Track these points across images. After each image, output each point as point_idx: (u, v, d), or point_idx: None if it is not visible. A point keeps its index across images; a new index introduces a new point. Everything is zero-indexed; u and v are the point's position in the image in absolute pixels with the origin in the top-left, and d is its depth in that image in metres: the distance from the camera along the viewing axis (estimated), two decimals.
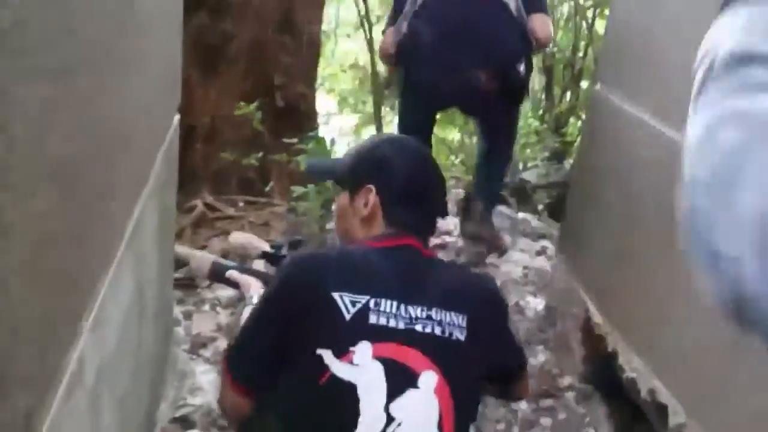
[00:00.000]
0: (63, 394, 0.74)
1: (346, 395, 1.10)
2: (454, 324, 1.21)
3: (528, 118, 5.11)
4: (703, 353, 1.58)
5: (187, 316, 2.52)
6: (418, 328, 1.17)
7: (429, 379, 1.15)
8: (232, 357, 1.24)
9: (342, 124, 7.28)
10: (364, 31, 3.68)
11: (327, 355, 1.12)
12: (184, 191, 4.06)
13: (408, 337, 1.16)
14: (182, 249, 2.37)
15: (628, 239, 2.02)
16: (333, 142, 3.18)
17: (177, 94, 1.66)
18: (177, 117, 1.63)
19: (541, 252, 3.27)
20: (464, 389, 1.21)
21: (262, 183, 3.78)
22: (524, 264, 3.11)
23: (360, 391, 1.10)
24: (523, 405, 2.24)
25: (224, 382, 1.25)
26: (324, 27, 4.82)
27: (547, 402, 2.28)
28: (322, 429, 1.12)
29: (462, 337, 1.20)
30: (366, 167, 1.36)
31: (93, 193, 0.87)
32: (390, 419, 1.10)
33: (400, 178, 1.32)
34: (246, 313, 1.48)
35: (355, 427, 1.09)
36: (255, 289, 1.57)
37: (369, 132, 6.34)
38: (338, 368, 1.11)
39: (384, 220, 1.31)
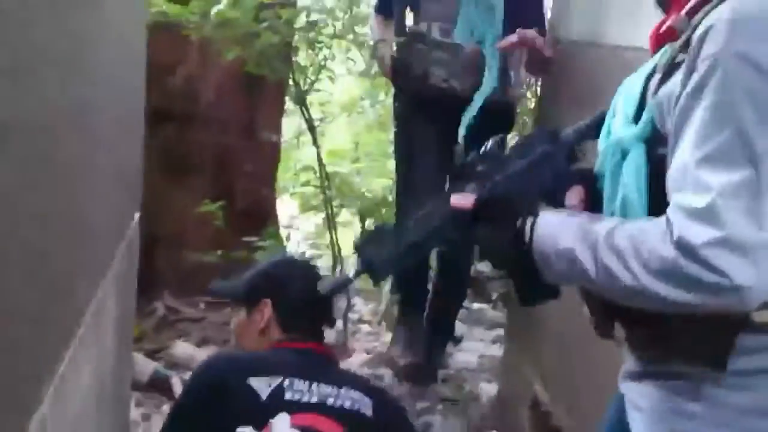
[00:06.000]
0: None
1: None
2: (362, 402, 1.41)
3: None
4: None
5: (146, 417, 2.52)
6: (330, 401, 1.37)
7: None
8: None
9: (306, 226, 7.41)
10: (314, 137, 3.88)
11: (247, 431, 1.29)
12: (145, 295, 4.08)
13: (321, 409, 1.35)
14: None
15: (569, 322, 2.13)
16: (288, 237, 3.30)
17: (136, 194, 1.79)
18: (137, 215, 1.75)
19: (496, 340, 3.38)
20: None
21: None
22: (479, 353, 3.21)
23: None
24: None
25: None
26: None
27: None
28: None
29: (369, 413, 1.41)
30: (260, 284, 1.58)
31: (54, 275, 0.98)
32: None
33: (292, 292, 1.54)
34: None
35: None
36: None
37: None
38: None
39: (279, 329, 1.52)
